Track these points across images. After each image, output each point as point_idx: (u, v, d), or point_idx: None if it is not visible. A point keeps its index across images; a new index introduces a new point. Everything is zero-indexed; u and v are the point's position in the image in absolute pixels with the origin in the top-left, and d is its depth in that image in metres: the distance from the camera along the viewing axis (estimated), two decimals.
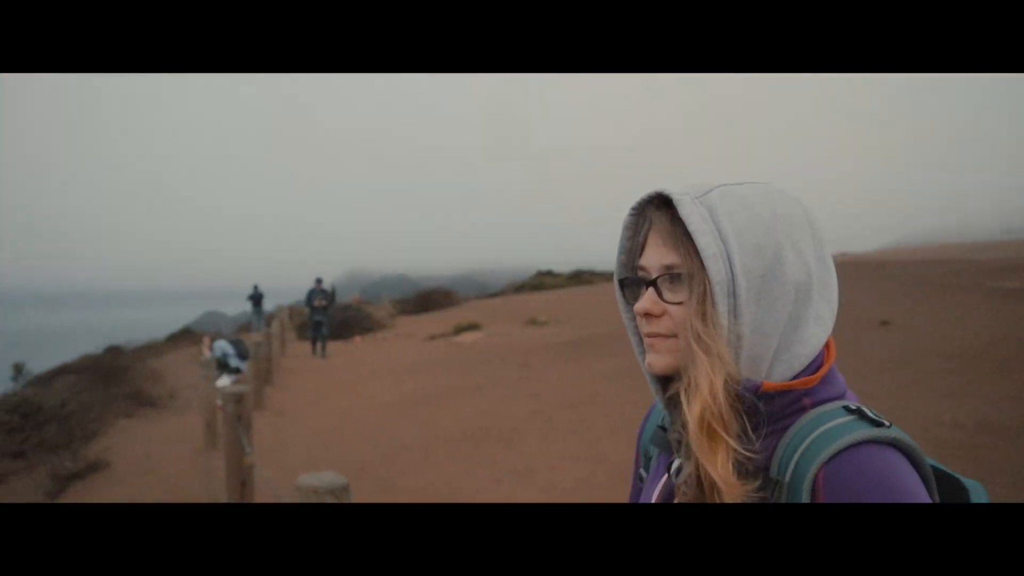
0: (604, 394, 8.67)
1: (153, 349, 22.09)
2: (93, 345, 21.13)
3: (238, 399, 4.93)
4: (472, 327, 17.23)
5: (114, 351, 19.57)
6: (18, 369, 15.13)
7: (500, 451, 6.95)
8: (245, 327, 26.26)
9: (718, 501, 0.83)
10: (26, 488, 7.84)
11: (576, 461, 6.32)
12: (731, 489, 0.81)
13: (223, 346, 13.07)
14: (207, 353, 12.61)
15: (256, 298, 24.17)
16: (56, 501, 7.10)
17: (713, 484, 0.83)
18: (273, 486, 5.59)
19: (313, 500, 2.47)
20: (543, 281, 32.62)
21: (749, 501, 0.81)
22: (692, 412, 0.83)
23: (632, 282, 0.94)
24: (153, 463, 7.89)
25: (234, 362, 12.84)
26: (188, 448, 8.33)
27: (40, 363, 18.89)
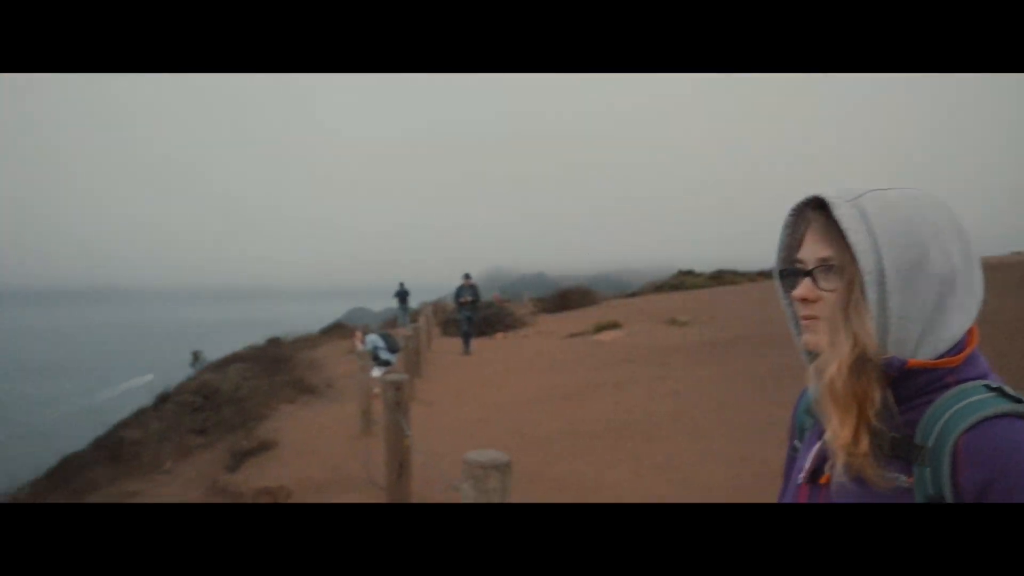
0: (747, 395, 8.52)
1: (308, 341, 23.50)
2: (256, 336, 22.82)
3: (397, 387, 5.30)
4: (612, 326, 17.26)
5: (275, 342, 21.01)
6: (196, 356, 16.67)
7: (642, 446, 7.02)
8: (390, 323, 27.42)
9: (849, 464, 0.95)
10: (209, 462, 8.67)
11: (720, 460, 6.29)
12: (845, 449, 0.95)
13: (374, 340, 13.74)
14: (359, 346, 13.32)
15: (402, 295, 25.24)
16: (234, 475, 7.81)
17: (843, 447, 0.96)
18: (427, 470, 5.94)
19: (479, 475, 2.69)
20: (683, 281, 32.03)
21: (874, 467, 0.93)
22: (821, 384, 0.98)
23: (790, 273, 1.08)
24: (315, 445, 8.50)
25: (384, 355, 13.48)
26: (345, 433, 8.90)
27: (212, 351, 20.66)
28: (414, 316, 23.64)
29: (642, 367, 11.56)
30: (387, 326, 24.87)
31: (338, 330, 27.34)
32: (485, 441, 7.77)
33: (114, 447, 10.79)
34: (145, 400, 14.52)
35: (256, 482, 7.27)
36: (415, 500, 5.47)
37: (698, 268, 36.19)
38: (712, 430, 7.27)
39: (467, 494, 2.72)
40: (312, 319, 45.62)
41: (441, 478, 5.98)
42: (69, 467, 11.55)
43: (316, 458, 7.88)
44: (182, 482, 8.49)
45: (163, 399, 12.20)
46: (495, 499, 2.68)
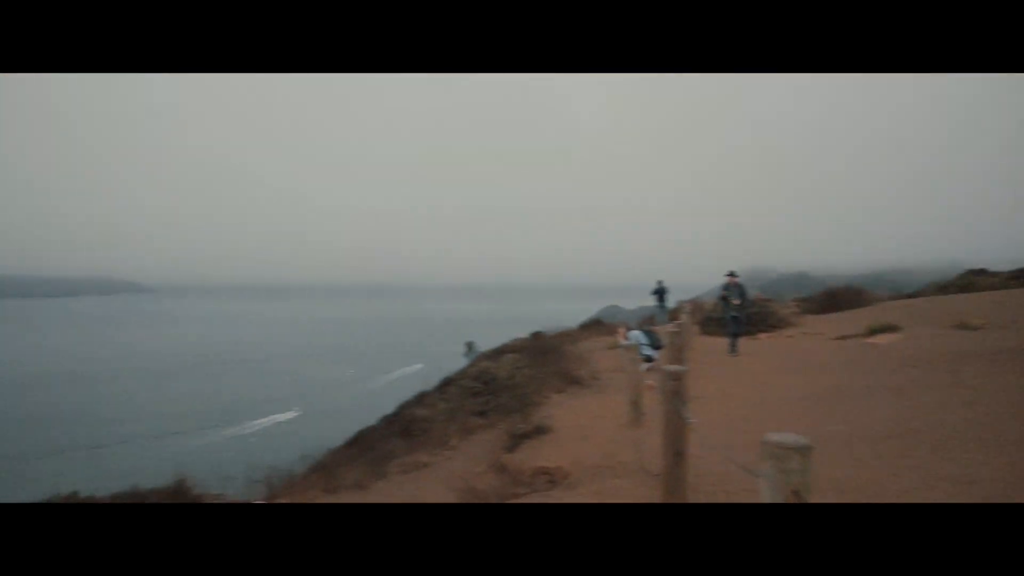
0: None
1: (569, 336, 24.43)
2: (521, 330, 24.25)
3: (677, 376, 5.53)
4: (888, 328, 16.04)
5: (538, 336, 22.15)
6: (469, 346, 18.15)
7: (931, 456, 6.58)
8: (648, 320, 27.63)
9: None
10: (489, 441, 9.50)
11: None
12: None
13: (637, 335, 14.02)
14: (623, 341, 13.70)
15: (660, 292, 25.36)
16: (513, 454, 8.50)
17: None
18: (698, 460, 6.08)
19: (780, 456, 2.85)
20: (973, 281, 28.68)
21: None
22: None
23: None
24: (586, 432, 8.97)
25: (646, 351, 13.74)
26: (614, 422, 9.29)
27: (482, 343, 22.37)
28: (673, 314, 23.64)
29: (926, 372, 10.69)
30: (645, 323, 25.14)
31: (596, 326, 28.08)
32: (753, 437, 7.65)
33: (405, 423, 12.16)
34: (417, 385, 16.14)
35: (533, 462, 7.86)
36: (689, 488, 5.65)
37: (992, 267, 32.15)
38: (1017, 444, 6.62)
39: (768, 475, 2.88)
40: (566, 315, 47.29)
41: (718, 466, 6.11)
42: (366, 439, 13.23)
43: (588, 444, 8.33)
44: (466, 458, 9.40)
45: (446, 383, 13.47)
46: (795, 480, 2.82)
